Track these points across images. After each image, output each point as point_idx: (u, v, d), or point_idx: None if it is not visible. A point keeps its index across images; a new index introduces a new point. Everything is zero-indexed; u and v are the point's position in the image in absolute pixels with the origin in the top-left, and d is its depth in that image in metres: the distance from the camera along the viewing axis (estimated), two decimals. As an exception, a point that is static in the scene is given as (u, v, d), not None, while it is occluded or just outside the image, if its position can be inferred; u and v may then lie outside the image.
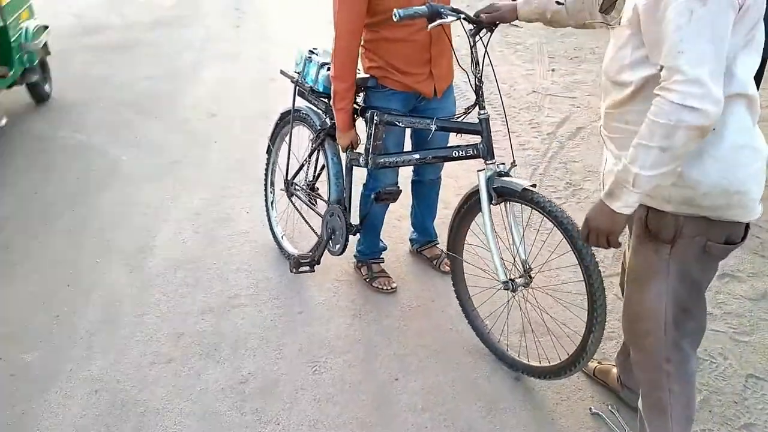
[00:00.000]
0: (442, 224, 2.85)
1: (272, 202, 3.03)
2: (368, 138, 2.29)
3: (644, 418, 1.74)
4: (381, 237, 2.77)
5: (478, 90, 2.06)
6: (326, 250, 2.62)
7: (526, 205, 1.96)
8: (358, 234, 2.64)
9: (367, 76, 2.33)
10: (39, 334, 2.47)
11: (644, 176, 1.31)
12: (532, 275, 2.07)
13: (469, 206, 2.19)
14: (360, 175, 2.56)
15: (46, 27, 4.84)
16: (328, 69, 2.37)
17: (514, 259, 2.06)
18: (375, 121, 2.25)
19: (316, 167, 2.70)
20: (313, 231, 2.75)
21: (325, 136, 2.52)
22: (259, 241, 3.07)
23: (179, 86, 5.25)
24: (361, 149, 2.38)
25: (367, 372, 2.28)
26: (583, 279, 1.86)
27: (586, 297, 1.87)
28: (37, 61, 4.57)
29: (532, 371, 2.16)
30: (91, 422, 2.08)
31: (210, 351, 2.38)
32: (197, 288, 2.74)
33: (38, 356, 2.37)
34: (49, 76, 5.04)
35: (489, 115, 2.09)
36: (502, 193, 2.01)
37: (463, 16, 2.02)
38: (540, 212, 1.91)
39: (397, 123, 2.27)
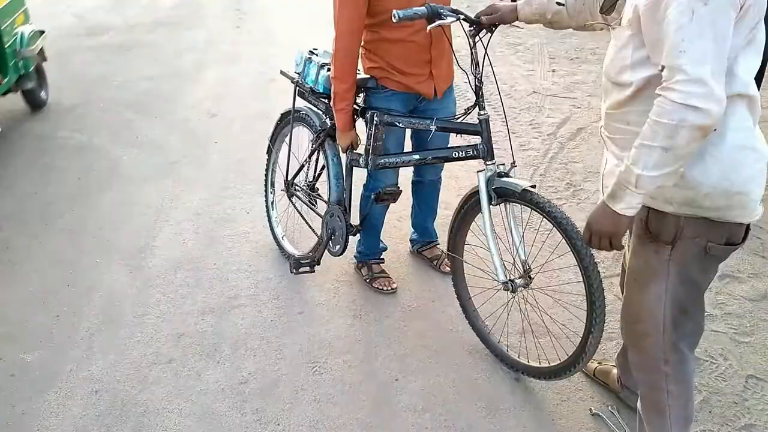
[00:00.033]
0: (442, 225, 2.85)
1: (272, 203, 3.03)
2: (368, 139, 2.29)
3: (643, 418, 1.74)
4: (381, 237, 2.77)
5: (478, 91, 2.06)
6: (326, 251, 2.62)
7: (525, 205, 1.96)
8: (358, 234, 2.64)
9: (368, 76, 2.33)
10: (39, 335, 2.48)
11: (647, 177, 1.30)
12: (532, 276, 2.08)
13: (470, 207, 2.19)
14: (360, 175, 2.56)
15: (42, 32, 4.70)
16: (328, 70, 2.37)
17: (513, 259, 2.06)
18: (375, 122, 2.25)
19: (316, 168, 2.70)
20: (313, 231, 2.75)
21: (325, 137, 2.52)
22: (260, 241, 3.07)
23: (180, 86, 5.25)
24: (361, 150, 2.38)
25: (367, 372, 2.28)
26: (582, 280, 1.86)
27: (585, 298, 1.87)
28: (32, 68, 4.42)
29: (532, 372, 2.16)
30: (91, 422, 2.08)
31: (210, 351, 2.38)
32: (197, 288, 2.74)
33: (38, 356, 2.37)
34: (45, 83, 4.89)
35: (489, 116, 2.09)
36: (502, 194, 2.01)
37: (462, 17, 2.02)
38: (539, 213, 1.91)
39: (397, 123, 2.27)
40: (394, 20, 1.96)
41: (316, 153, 2.64)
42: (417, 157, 2.30)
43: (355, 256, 2.81)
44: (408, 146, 2.55)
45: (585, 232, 1.50)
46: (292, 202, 2.86)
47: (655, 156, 1.28)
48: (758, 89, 1.47)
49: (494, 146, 2.10)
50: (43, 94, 4.79)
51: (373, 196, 2.46)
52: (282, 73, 2.79)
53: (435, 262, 2.84)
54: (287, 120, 2.75)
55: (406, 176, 2.67)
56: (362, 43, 2.29)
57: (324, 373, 2.28)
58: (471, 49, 2.03)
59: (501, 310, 2.30)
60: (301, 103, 2.66)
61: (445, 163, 2.52)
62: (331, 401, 2.16)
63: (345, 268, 2.85)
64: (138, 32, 6.89)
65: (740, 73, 1.32)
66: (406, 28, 2.19)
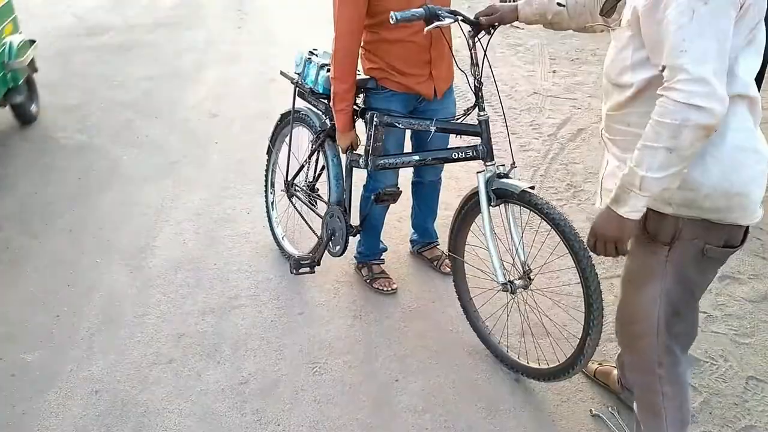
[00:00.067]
0: (442, 225, 2.85)
1: (273, 203, 3.03)
2: (368, 139, 2.29)
3: (639, 420, 1.74)
4: (381, 238, 2.77)
5: (477, 92, 2.06)
6: (326, 252, 2.62)
7: (524, 207, 1.96)
8: (358, 235, 2.64)
9: (367, 77, 2.33)
10: (39, 334, 2.48)
11: (651, 179, 1.29)
12: (532, 277, 2.07)
13: (470, 207, 2.19)
14: (360, 176, 2.56)
15: (33, 41, 4.42)
16: (328, 70, 2.37)
17: (513, 260, 2.06)
18: (375, 123, 2.25)
19: (316, 168, 2.70)
20: (314, 232, 2.75)
21: (325, 137, 2.52)
22: (260, 241, 3.07)
23: (180, 86, 5.25)
24: (361, 150, 2.38)
25: (367, 373, 2.28)
26: (580, 282, 1.86)
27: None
28: (21, 81, 4.14)
29: (532, 373, 2.16)
30: (91, 422, 2.08)
31: (210, 352, 2.38)
32: (198, 288, 2.74)
33: (38, 356, 2.37)
34: (35, 96, 4.60)
35: (488, 117, 2.09)
36: (501, 195, 2.01)
37: (461, 18, 2.02)
38: (538, 214, 1.91)
39: (396, 124, 2.27)
40: (391, 22, 1.96)
41: (316, 153, 2.64)
42: (417, 157, 2.30)
43: (355, 257, 2.81)
44: (408, 147, 2.55)
45: (589, 239, 1.48)
46: (292, 203, 2.86)
47: (659, 157, 1.27)
48: (758, 90, 1.47)
49: (494, 147, 2.10)
50: (33, 108, 4.50)
51: (373, 197, 2.46)
52: (282, 73, 2.79)
53: (435, 263, 2.84)
54: (287, 120, 2.75)
55: (406, 177, 2.67)
56: (362, 44, 2.29)
57: (324, 373, 2.28)
58: (470, 50, 2.03)
59: (501, 311, 2.30)
60: (301, 103, 2.66)
61: (445, 164, 2.52)
62: (332, 402, 2.16)
63: (345, 269, 2.85)
64: (138, 32, 6.89)
65: (740, 73, 1.31)
66: (405, 29, 2.19)
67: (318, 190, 2.75)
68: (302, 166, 2.74)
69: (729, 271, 2.74)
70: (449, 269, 2.63)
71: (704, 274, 1.53)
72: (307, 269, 2.58)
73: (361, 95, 2.39)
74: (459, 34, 2.12)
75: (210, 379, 2.25)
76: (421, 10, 1.99)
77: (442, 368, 2.30)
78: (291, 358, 2.35)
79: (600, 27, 1.79)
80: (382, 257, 2.79)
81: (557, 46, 6.02)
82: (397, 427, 2.06)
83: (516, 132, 4.25)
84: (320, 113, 2.57)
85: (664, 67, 1.27)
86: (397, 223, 3.16)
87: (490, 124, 2.14)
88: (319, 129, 2.54)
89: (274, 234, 3.01)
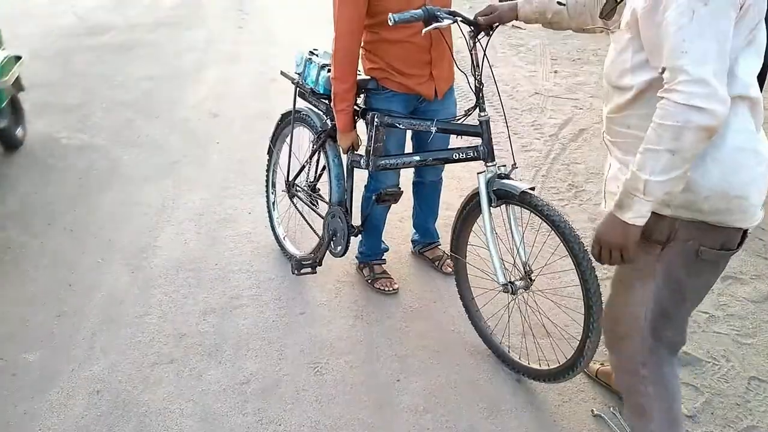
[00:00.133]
0: (444, 225, 2.85)
1: (274, 203, 3.03)
2: (369, 140, 2.28)
3: (628, 422, 1.72)
4: (383, 238, 2.77)
5: (478, 92, 2.05)
6: (328, 252, 2.62)
7: (524, 208, 1.96)
8: (359, 235, 2.63)
9: (368, 77, 2.33)
10: (40, 334, 2.48)
11: (655, 182, 1.27)
12: (533, 278, 2.07)
13: (471, 208, 2.19)
14: (361, 176, 2.56)
15: (19, 58, 3.97)
16: (329, 70, 2.37)
17: (514, 261, 2.06)
18: (375, 123, 2.25)
19: (317, 168, 2.70)
20: (315, 232, 2.75)
21: (326, 138, 2.52)
22: (261, 241, 3.07)
23: (181, 86, 5.26)
24: (362, 151, 2.38)
25: (368, 373, 2.28)
26: (579, 284, 1.86)
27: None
28: (5, 102, 3.71)
29: (532, 374, 2.16)
30: (92, 422, 2.08)
31: (212, 351, 2.38)
32: (199, 288, 2.74)
33: (40, 356, 2.37)
34: (22, 119, 4.14)
35: (489, 117, 2.08)
36: (502, 196, 2.01)
37: (460, 18, 2.02)
38: (538, 215, 1.91)
39: (397, 125, 2.27)
40: (390, 23, 1.96)
41: (316, 154, 2.64)
42: (417, 158, 2.30)
43: (356, 257, 2.81)
44: (408, 147, 2.55)
45: (594, 247, 1.45)
46: (293, 203, 2.85)
47: (662, 160, 1.25)
48: (761, 91, 1.46)
49: (496, 147, 2.10)
50: (19, 132, 4.04)
51: (374, 197, 2.46)
52: (282, 73, 2.79)
53: (436, 263, 2.84)
54: (288, 120, 2.75)
55: (407, 177, 2.67)
56: (362, 44, 2.29)
57: (325, 373, 2.28)
58: (470, 51, 2.02)
59: (503, 311, 2.29)
60: (301, 103, 2.66)
61: (446, 164, 2.52)
62: (333, 402, 2.16)
63: (346, 269, 2.85)
64: (139, 32, 6.90)
65: (740, 74, 1.30)
66: (405, 30, 2.19)
67: (319, 190, 2.75)
68: (303, 167, 2.73)
69: (731, 272, 2.74)
70: (451, 269, 2.63)
71: (698, 276, 1.50)
72: (309, 270, 2.58)
73: (362, 95, 2.39)
74: (459, 35, 2.12)
75: (211, 379, 2.25)
76: (419, 11, 1.99)
77: (443, 368, 2.29)
78: (292, 358, 2.35)
79: (599, 29, 1.78)
80: (383, 257, 2.79)
81: (559, 46, 6.02)
82: (399, 427, 2.06)
83: (517, 132, 4.25)
84: (321, 113, 2.57)
85: (663, 70, 1.26)
86: (399, 223, 3.15)
87: (492, 124, 2.14)
88: (320, 129, 2.54)
89: (275, 234, 3.01)
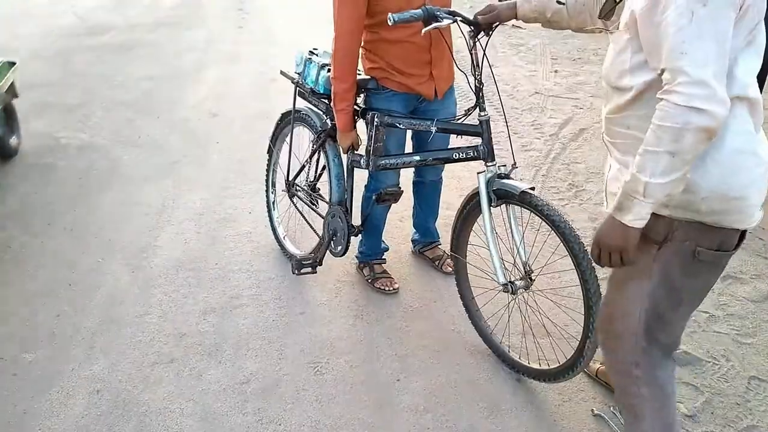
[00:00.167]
0: (444, 225, 2.85)
1: (274, 203, 3.03)
2: (369, 140, 2.28)
3: (623, 425, 1.71)
4: (383, 238, 2.77)
5: (478, 92, 2.05)
6: (328, 252, 2.62)
7: (524, 207, 1.96)
8: (359, 235, 2.63)
9: (368, 77, 2.33)
10: (41, 334, 2.48)
11: (655, 184, 1.26)
12: (533, 277, 2.07)
13: (471, 208, 2.19)
14: (361, 176, 2.56)
15: (13, 63, 3.85)
16: (329, 70, 2.37)
17: (514, 260, 2.06)
18: (375, 123, 2.25)
19: (317, 168, 2.70)
20: (315, 232, 2.75)
21: (326, 138, 2.52)
22: (261, 241, 3.07)
23: (181, 86, 5.26)
24: (362, 150, 2.38)
25: (368, 373, 2.28)
26: (579, 284, 1.85)
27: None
28: None
29: (532, 373, 2.16)
30: (92, 422, 2.08)
31: (212, 351, 2.38)
32: (199, 288, 2.74)
33: (40, 356, 2.37)
34: (16, 126, 3.97)
35: (489, 117, 2.08)
36: (502, 196, 2.01)
37: (459, 18, 2.02)
38: (538, 215, 1.91)
39: (397, 125, 2.27)
40: (389, 23, 1.96)
41: (316, 153, 2.64)
42: (417, 158, 2.30)
43: (356, 257, 2.81)
44: (408, 147, 2.55)
45: (593, 249, 1.44)
46: (293, 203, 2.85)
47: (662, 162, 1.25)
48: (761, 92, 1.45)
49: (496, 147, 2.10)
50: (13, 140, 3.88)
51: (374, 197, 2.46)
52: (282, 73, 2.79)
53: (437, 263, 2.84)
54: (287, 120, 2.75)
55: (407, 176, 2.67)
56: (362, 44, 2.29)
57: (326, 373, 2.28)
58: (470, 50, 2.02)
59: (503, 311, 2.29)
60: (301, 103, 2.66)
61: (446, 164, 2.52)
62: (333, 401, 2.16)
63: (347, 269, 2.85)
64: (139, 32, 6.90)
65: (739, 75, 1.29)
66: (405, 29, 2.18)
67: (319, 189, 2.75)
68: (303, 166, 2.73)
69: (731, 271, 2.73)
70: (451, 269, 2.63)
71: (695, 277, 1.48)
72: (309, 269, 2.58)
73: (362, 95, 2.39)
74: (459, 35, 2.12)
75: (211, 379, 2.25)
76: (419, 11, 1.99)
77: (443, 368, 2.29)
78: (292, 357, 2.35)
79: (599, 29, 1.78)
80: (383, 257, 2.79)
81: (559, 45, 6.02)
82: (399, 426, 2.06)
83: (518, 132, 4.25)
84: (321, 113, 2.57)
85: (662, 71, 1.25)
86: (399, 223, 3.15)
87: (492, 123, 2.13)
88: (319, 129, 2.54)
89: (275, 233, 3.01)
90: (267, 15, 7.71)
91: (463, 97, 4.17)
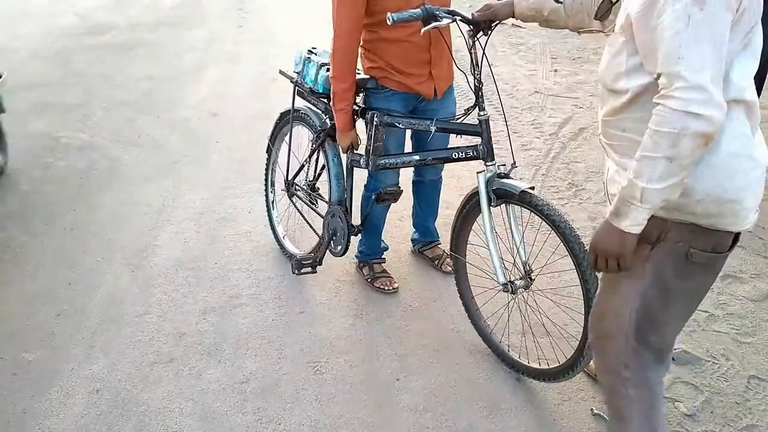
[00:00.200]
0: (444, 224, 2.85)
1: (273, 202, 3.03)
2: (368, 139, 2.28)
3: (607, 426, 1.70)
4: (382, 237, 2.77)
5: (477, 91, 2.05)
6: (328, 251, 2.62)
7: (524, 207, 1.96)
8: (359, 234, 2.63)
9: (367, 77, 2.33)
10: (40, 333, 2.48)
11: (652, 190, 1.26)
12: (533, 277, 2.07)
13: (471, 207, 2.19)
14: (361, 175, 2.55)
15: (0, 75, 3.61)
16: (328, 70, 2.36)
17: (514, 260, 2.06)
18: (375, 123, 2.25)
19: (316, 167, 2.69)
20: (314, 231, 2.75)
21: (325, 137, 2.52)
22: (261, 240, 3.07)
23: (181, 86, 5.26)
24: (361, 150, 2.38)
25: (368, 372, 2.28)
26: (579, 283, 1.85)
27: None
28: None
29: (532, 373, 2.16)
30: (92, 421, 2.08)
31: (211, 350, 2.38)
32: (199, 288, 2.74)
33: (39, 355, 2.37)
34: (3, 144, 3.71)
35: (489, 116, 2.08)
36: (502, 195, 2.01)
37: (459, 17, 2.02)
38: (537, 215, 1.91)
39: (397, 124, 2.27)
40: (388, 23, 1.96)
41: (316, 153, 2.64)
42: (417, 157, 2.30)
43: (356, 256, 2.80)
44: (408, 146, 2.55)
45: (590, 255, 1.44)
46: (292, 202, 2.85)
47: (659, 167, 1.24)
48: (759, 94, 1.43)
49: (495, 146, 2.10)
50: (0, 160, 3.64)
51: (374, 197, 2.46)
52: (281, 72, 2.79)
53: (436, 262, 2.84)
54: (286, 119, 2.75)
55: (406, 176, 2.67)
56: (361, 43, 2.29)
57: (325, 372, 2.28)
58: (470, 50, 2.02)
59: (502, 310, 2.29)
60: (301, 102, 2.66)
61: (446, 163, 2.52)
62: (333, 401, 2.16)
63: (346, 268, 2.85)
64: (140, 32, 6.89)
65: (735, 78, 1.28)
66: (404, 29, 2.18)
67: (318, 189, 2.75)
68: (302, 166, 2.73)
69: (731, 270, 2.73)
70: (450, 268, 2.63)
71: (688, 279, 1.46)
72: (309, 269, 2.58)
73: (361, 95, 2.39)
74: (459, 34, 2.12)
75: (211, 378, 2.25)
76: (418, 10, 1.99)
77: (443, 367, 2.30)
78: (292, 357, 2.35)
79: (596, 30, 1.77)
80: (383, 256, 2.79)
81: (559, 45, 6.01)
82: (399, 426, 2.06)
83: (517, 131, 4.25)
84: (320, 112, 2.57)
85: (659, 75, 1.24)
86: (399, 222, 3.15)
87: (491, 123, 2.13)
88: (319, 128, 2.54)
89: (274, 233, 3.01)
90: (267, 15, 7.71)
91: (463, 97, 4.17)
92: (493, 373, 2.27)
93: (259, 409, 2.13)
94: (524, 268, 2.05)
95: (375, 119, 2.25)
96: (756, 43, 1.31)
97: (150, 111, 4.74)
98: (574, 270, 1.89)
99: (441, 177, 2.75)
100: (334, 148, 2.52)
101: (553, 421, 2.06)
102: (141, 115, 4.67)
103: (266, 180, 3.02)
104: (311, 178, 2.73)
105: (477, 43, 2.03)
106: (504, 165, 2.06)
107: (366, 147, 2.30)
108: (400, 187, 2.50)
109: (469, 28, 2.03)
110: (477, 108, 2.09)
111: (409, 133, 2.48)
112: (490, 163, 2.06)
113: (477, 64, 2.03)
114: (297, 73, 2.60)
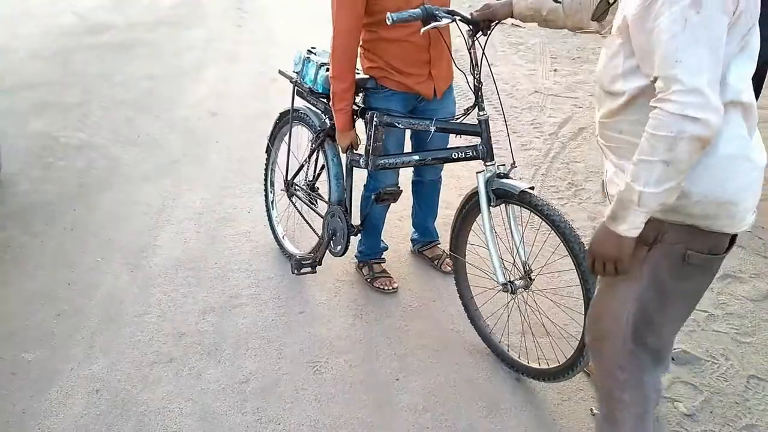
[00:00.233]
0: (443, 224, 2.85)
1: (272, 202, 3.03)
2: (368, 139, 2.28)
3: (596, 425, 1.68)
4: (382, 237, 2.77)
5: (477, 91, 2.05)
6: (327, 251, 2.62)
7: (523, 207, 1.96)
8: (359, 234, 2.63)
9: (367, 77, 2.33)
10: (40, 333, 2.48)
11: (650, 194, 1.25)
12: (532, 277, 2.07)
13: (470, 207, 2.19)
14: (361, 175, 2.55)
15: None
16: (327, 69, 2.36)
17: (514, 260, 2.06)
18: (374, 123, 2.25)
19: (316, 167, 2.69)
20: (314, 231, 2.75)
21: (324, 137, 2.52)
22: (261, 240, 3.07)
23: (180, 85, 5.25)
24: (361, 150, 2.38)
25: (368, 372, 2.28)
26: (579, 283, 1.85)
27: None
28: None
29: (531, 373, 2.16)
30: (91, 421, 2.08)
31: (211, 350, 2.38)
32: (198, 287, 2.74)
33: (39, 355, 2.37)
34: None
35: (488, 116, 2.08)
36: (501, 195, 2.01)
37: (458, 17, 2.02)
38: (537, 215, 1.91)
39: (396, 124, 2.27)
40: (388, 23, 1.96)
41: (315, 153, 2.63)
42: (416, 157, 2.30)
43: (356, 256, 2.80)
44: (408, 146, 2.54)
45: (588, 258, 1.44)
46: (292, 202, 2.85)
47: (656, 171, 1.24)
48: (757, 96, 1.43)
49: (495, 146, 2.10)
50: None
51: (373, 197, 2.46)
52: (281, 72, 2.78)
53: (436, 262, 2.84)
54: (286, 119, 2.75)
55: (406, 176, 2.67)
56: (361, 43, 2.29)
57: (325, 372, 2.28)
58: (469, 50, 2.02)
59: (502, 310, 2.29)
60: (300, 102, 2.65)
61: (446, 163, 2.52)
62: (332, 401, 2.16)
63: (346, 268, 2.85)
64: (139, 31, 6.88)
65: (732, 81, 1.28)
66: (403, 29, 2.18)
67: (318, 189, 2.75)
68: (302, 166, 2.73)
69: (730, 270, 2.73)
70: (450, 268, 2.63)
71: (685, 280, 1.46)
72: (309, 269, 2.58)
73: (361, 95, 2.39)
74: (458, 34, 2.12)
75: (210, 378, 2.25)
76: (418, 10, 1.99)
77: (442, 367, 2.30)
78: (291, 357, 2.35)
79: (594, 30, 1.77)
80: (382, 256, 2.79)
81: (558, 44, 6.01)
82: (398, 426, 2.06)
83: (517, 131, 4.25)
84: (320, 112, 2.57)
85: (655, 78, 1.24)
86: (398, 222, 3.15)
87: (491, 123, 2.13)
88: (318, 128, 2.54)
89: (274, 233, 3.01)
90: (266, 14, 7.70)
91: (462, 97, 4.16)
92: (492, 373, 2.27)
93: (259, 409, 2.13)
94: (524, 268, 2.05)
95: (374, 119, 2.25)
96: (753, 45, 1.30)
97: (149, 110, 4.73)
98: (574, 270, 1.89)
99: (440, 177, 2.75)
100: (334, 148, 2.52)
101: (552, 421, 2.06)
102: (140, 114, 4.66)
103: (266, 180, 3.02)
104: (311, 178, 2.73)
105: (476, 42, 2.03)
106: (504, 165, 2.06)
107: (365, 147, 2.30)
108: (399, 187, 2.50)
109: (468, 28, 2.03)
110: (476, 108, 2.09)
111: (408, 133, 2.48)
112: (489, 163, 2.06)
113: (476, 64, 2.03)
114: (296, 72, 2.60)
